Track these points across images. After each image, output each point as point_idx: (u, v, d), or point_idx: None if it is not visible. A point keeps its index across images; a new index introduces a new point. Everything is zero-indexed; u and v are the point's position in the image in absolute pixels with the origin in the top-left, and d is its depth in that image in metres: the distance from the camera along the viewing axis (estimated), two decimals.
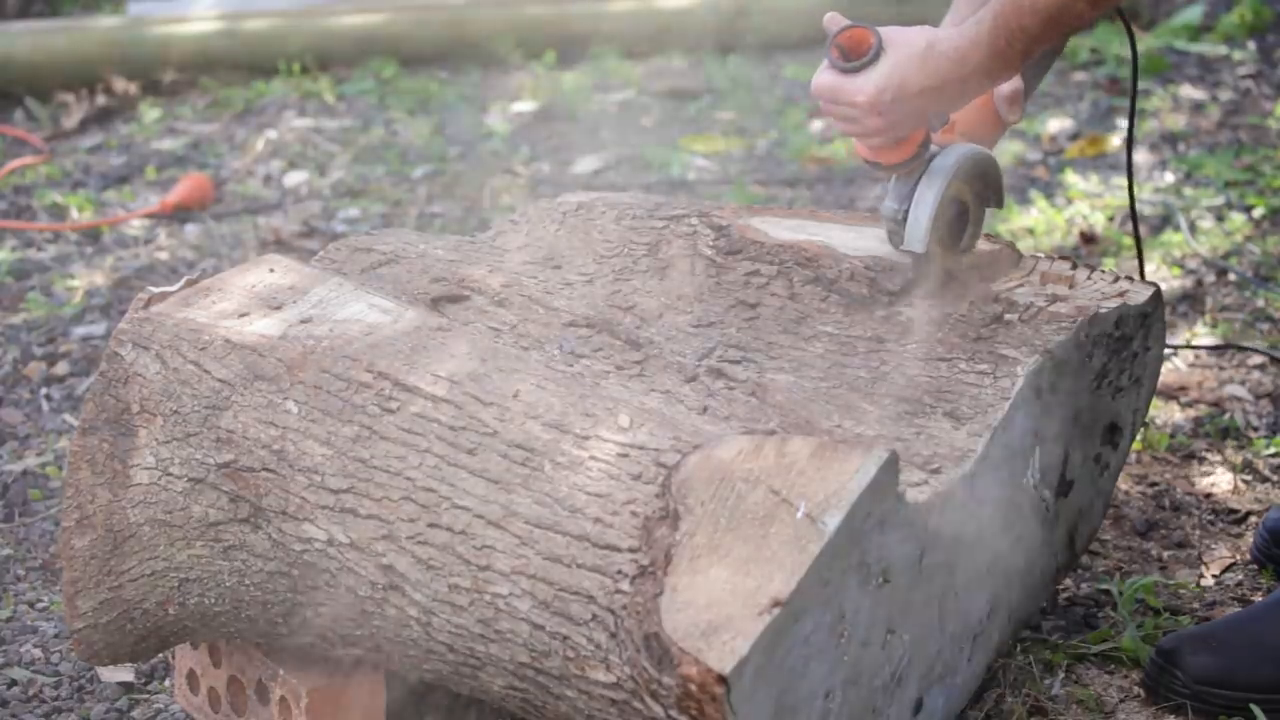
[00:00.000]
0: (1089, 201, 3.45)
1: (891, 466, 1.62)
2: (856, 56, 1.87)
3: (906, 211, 1.95)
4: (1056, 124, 3.93)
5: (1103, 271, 2.04)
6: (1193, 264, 3.17)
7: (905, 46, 1.85)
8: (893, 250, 2.02)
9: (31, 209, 3.63)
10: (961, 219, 2.00)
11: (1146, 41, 4.41)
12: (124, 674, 2.13)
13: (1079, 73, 4.28)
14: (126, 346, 1.83)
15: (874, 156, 1.94)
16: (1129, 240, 3.26)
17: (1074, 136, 3.86)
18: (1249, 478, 2.49)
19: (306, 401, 1.75)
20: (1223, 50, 4.33)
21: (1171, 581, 2.23)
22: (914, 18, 1.98)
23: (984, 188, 2.02)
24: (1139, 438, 2.52)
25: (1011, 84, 2.01)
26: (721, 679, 1.49)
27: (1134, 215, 2.27)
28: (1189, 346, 2.80)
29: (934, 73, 1.84)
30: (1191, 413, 2.67)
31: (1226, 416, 2.64)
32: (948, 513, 1.77)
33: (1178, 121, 3.90)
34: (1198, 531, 2.36)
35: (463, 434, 1.70)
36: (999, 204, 2.04)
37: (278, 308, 1.85)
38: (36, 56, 4.24)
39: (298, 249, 3.34)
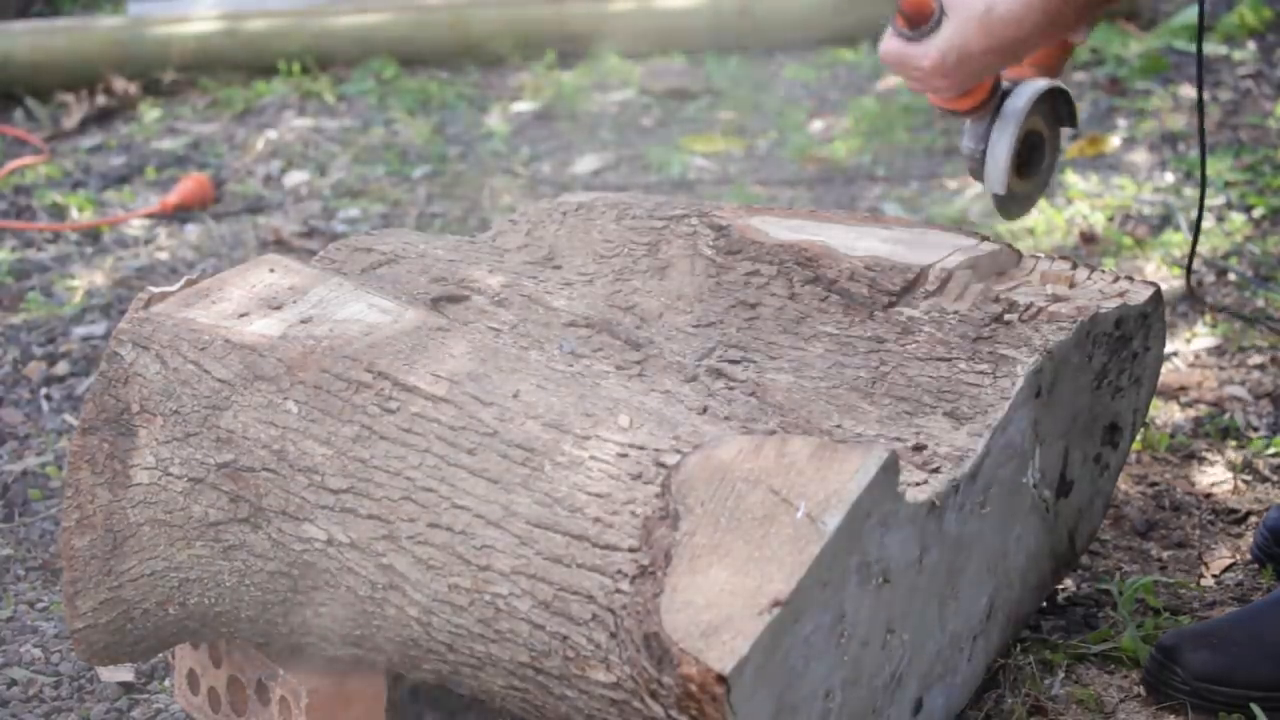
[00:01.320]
0: (1089, 201, 3.45)
1: (891, 466, 1.62)
2: (920, 23, 1.93)
3: (984, 152, 2.04)
4: None
5: (1103, 271, 2.04)
6: (1193, 264, 3.16)
7: (965, 10, 1.92)
8: (893, 251, 2.02)
9: (31, 209, 3.63)
10: (1038, 150, 2.09)
11: (1146, 42, 4.41)
12: (124, 674, 2.13)
13: (1079, 73, 4.28)
14: (126, 346, 1.83)
15: (948, 105, 2.02)
16: (1129, 240, 3.26)
17: (1074, 136, 3.86)
18: (1249, 478, 2.49)
19: (306, 401, 1.75)
20: (1223, 50, 4.33)
21: (1171, 581, 2.23)
22: None
23: (1056, 115, 2.10)
24: (1139, 438, 2.52)
25: None
26: (721, 679, 1.49)
27: (1203, 188, 2.31)
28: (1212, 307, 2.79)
29: (995, 35, 1.91)
30: (1191, 413, 2.67)
31: (1226, 416, 2.64)
32: (948, 512, 1.77)
33: (1178, 121, 3.90)
34: (1198, 531, 2.36)
35: (463, 434, 1.70)
36: (1074, 124, 2.12)
37: (278, 308, 1.85)
38: (36, 56, 4.24)
39: (298, 249, 3.34)
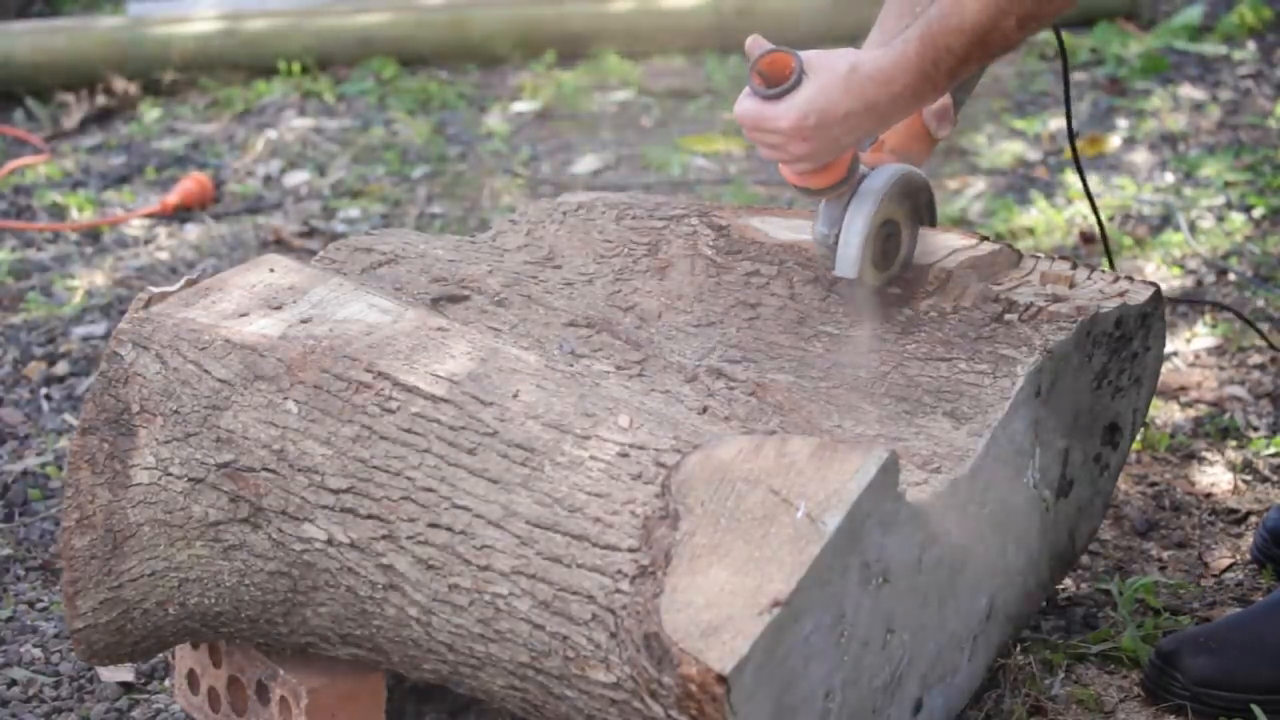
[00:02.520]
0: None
1: (891, 466, 1.62)
2: (778, 82, 1.82)
3: (838, 235, 1.91)
4: (1056, 124, 3.93)
5: (1103, 271, 2.04)
6: (1193, 264, 3.17)
7: (827, 71, 1.80)
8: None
9: (31, 209, 3.63)
10: (894, 239, 1.96)
11: (1146, 41, 4.41)
12: (124, 674, 2.12)
13: (1079, 73, 4.28)
14: (126, 346, 1.83)
15: (802, 182, 1.89)
16: (1129, 240, 3.26)
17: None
18: (1249, 478, 2.49)
19: (306, 401, 1.75)
20: (1223, 50, 4.33)
21: (1171, 582, 2.23)
22: None
23: (915, 206, 1.98)
24: (1139, 438, 2.52)
25: (941, 100, 1.96)
26: (721, 679, 1.49)
27: (1089, 198, 2.27)
28: (1195, 301, 2.77)
29: (858, 96, 1.79)
30: (1191, 413, 2.67)
31: (1226, 416, 2.64)
32: (948, 512, 1.77)
33: (1178, 121, 3.90)
34: (1198, 531, 2.36)
35: (463, 434, 1.70)
36: (931, 222, 2.01)
37: (278, 308, 1.85)
38: (36, 56, 4.24)
39: (298, 249, 3.34)
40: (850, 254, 1.90)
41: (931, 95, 1.83)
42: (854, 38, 2.05)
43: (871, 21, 2.05)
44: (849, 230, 1.90)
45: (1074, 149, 2.21)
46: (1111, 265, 2.27)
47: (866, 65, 1.80)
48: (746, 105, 1.84)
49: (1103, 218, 3.37)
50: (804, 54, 1.82)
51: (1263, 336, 2.70)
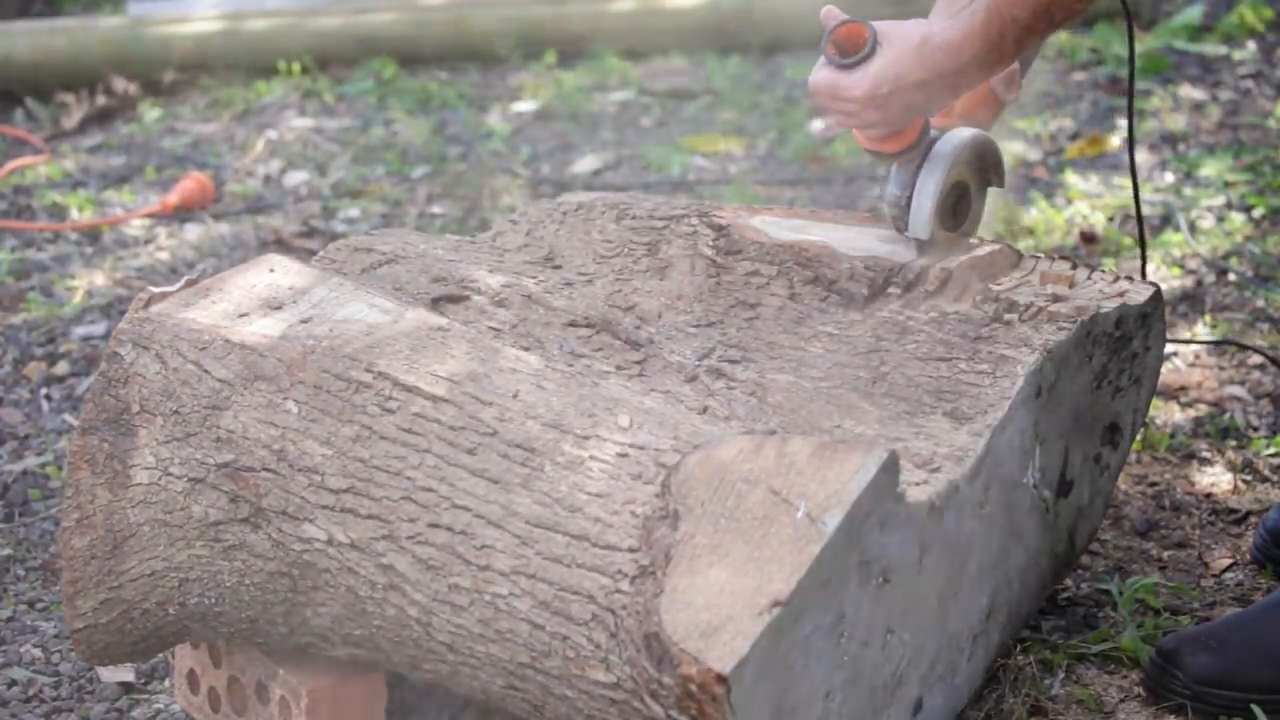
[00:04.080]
0: (1089, 201, 3.45)
1: (891, 466, 1.62)
2: (852, 52, 1.88)
3: (909, 198, 1.99)
4: (1056, 124, 3.93)
5: (1103, 271, 2.04)
6: (1193, 264, 3.17)
7: (900, 40, 1.87)
8: (893, 251, 2.02)
9: (31, 209, 3.63)
10: (964, 201, 2.04)
11: (1146, 42, 4.41)
12: (124, 674, 2.13)
13: (1079, 73, 4.28)
14: (126, 346, 1.83)
15: (875, 146, 1.97)
16: (1129, 240, 3.26)
17: (1074, 136, 3.86)
18: (1249, 478, 2.49)
19: (306, 401, 1.75)
20: (1223, 50, 4.33)
21: (1171, 582, 2.23)
22: (916, 14, 1.98)
23: (984, 169, 2.05)
24: (1139, 438, 2.52)
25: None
26: (721, 679, 1.49)
27: (1139, 210, 2.27)
28: (1191, 341, 2.79)
29: (930, 66, 1.86)
30: (1191, 413, 2.67)
31: (1226, 416, 2.64)
32: (948, 512, 1.77)
33: (1178, 121, 3.90)
34: (1198, 531, 2.36)
35: (463, 434, 1.70)
36: (1000, 183, 2.06)
37: (278, 308, 1.85)
38: (36, 56, 4.24)
39: (298, 249, 3.34)
40: (923, 216, 1.99)
41: (999, 65, 1.89)
42: None
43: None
44: (921, 193, 1.98)
45: (1131, 134, 2.25)
46: (1144, 255, 2.29)
47: (937, 36, 1.86)
48: (822, 75, 1.91)
49: (1099, 218, 3.37)
50: (877, 24, 1.88)
51: (1272, 361, 2.70)
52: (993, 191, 2.10)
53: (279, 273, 1.91)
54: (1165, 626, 2.12)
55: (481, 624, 1.67)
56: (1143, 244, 2.30)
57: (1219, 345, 2.82)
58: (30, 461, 2.63)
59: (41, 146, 3.96)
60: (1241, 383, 2.75)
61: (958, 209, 2.04)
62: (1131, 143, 2.26)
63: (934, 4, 2.05)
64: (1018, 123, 3.95)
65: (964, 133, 2.01)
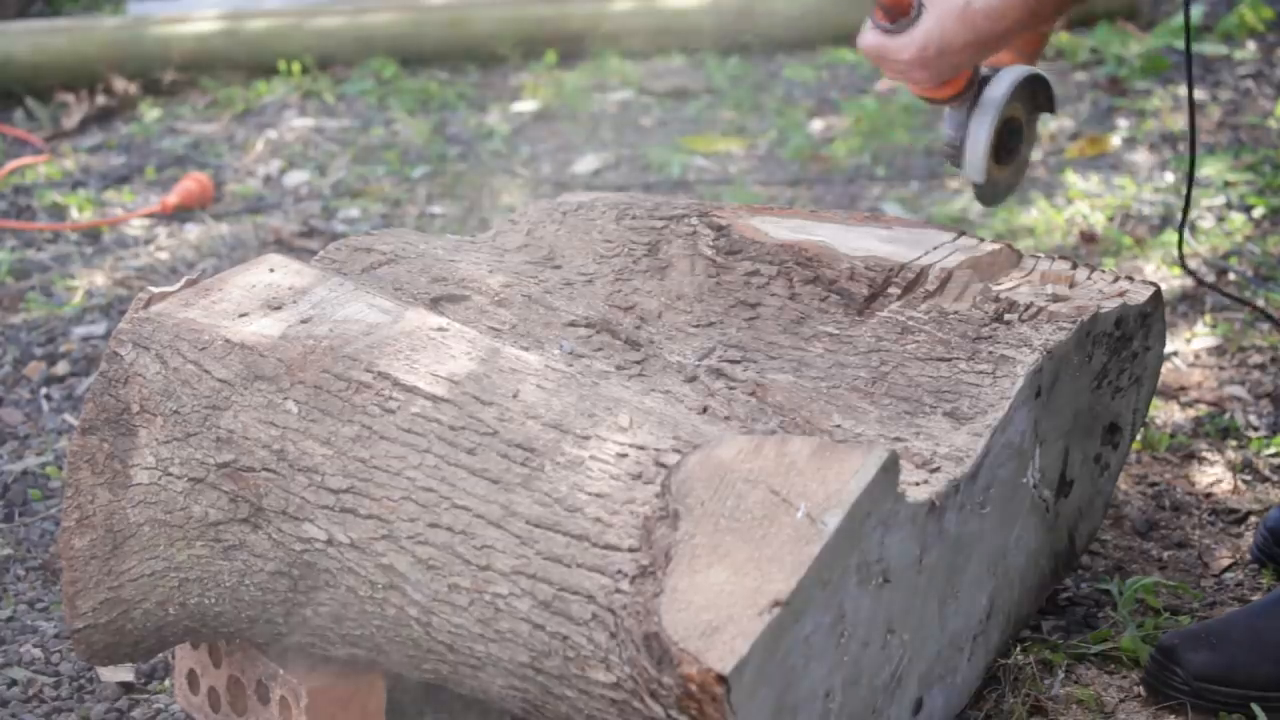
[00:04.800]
0: (1089, 201, 3.45)
1: (891, 466, 1.62)
2: (899, 16, 1.96)
3: (964, 139, 2.07)
4: (1056, 124, 3.93)
5: (1103, 271, 2.04)
6: (1193, 264, 3.17)
7: (945, 3, 1.95)
8: (893, 251, 2.02)
9: (31, 209, 3.63)
10: (1016, 134, 2.12)
11: (1146, 42, 4.41)
12: (124, 674, 2.12)
13: (1079, 73, 4.28)
14: (126, 346, 1.83)
15: (928, 94, 2.05)
16: (1129, 240, 3.26)
17: (1074, 136, 3.86)
18: (1249, 478, 2.49)
19: (306, 401, 1.75)
20: (1223, 50, 4.33)
21: (1171, 582, 2.23)
22: None
23: (1034, 102, 2.13)
24: (1139, 438, 2.52)
25: None
26: (721, 679, 1.49)
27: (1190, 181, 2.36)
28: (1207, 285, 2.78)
29: (974, 29, 1.94)
30: (1191, 413, 2.67)
31: (1226, 416, 2.64)
32: (948, 512, 1.77)
33: (1178, 121, 3.90)
34: (1198, 531, 2.36)
35: (463, 434, 1.70)
36: (1052, 110, 2.15)
37: (278, 308, 1.85)
38: (36, 56, 4.24)
39: (298, 249, 3.34)
40: (977, 160, 2.08)
41: (1041, 26, 2.01)
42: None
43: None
44: (975, 136, 2.08)
45: (1192, 121, 2.32)
46: (1181, 241, 2.34)
47: (979, 1, 1.94)
48: (870, 38, 2.00)
49: (1099, 218, 3.37)
50: None
51: (1266, 315, 2.70)
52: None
53: (279, 273, 1.91)
54: (1165, 626, 2.12)
55: (481, 624, 1.67)
56: (1186, 209, 2.37)
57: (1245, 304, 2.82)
58: (30, 461, 2.63)
59: (41, 146, 3.96)
60: (1241, 383, 2.75)
61: (1010, 143, 2.11)
62: (1192, 113, 2.33)
63: None
64: None
65: (1012, 74, 2.08)
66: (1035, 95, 2.13)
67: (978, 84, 2.07)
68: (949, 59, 1.97)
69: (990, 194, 2.14)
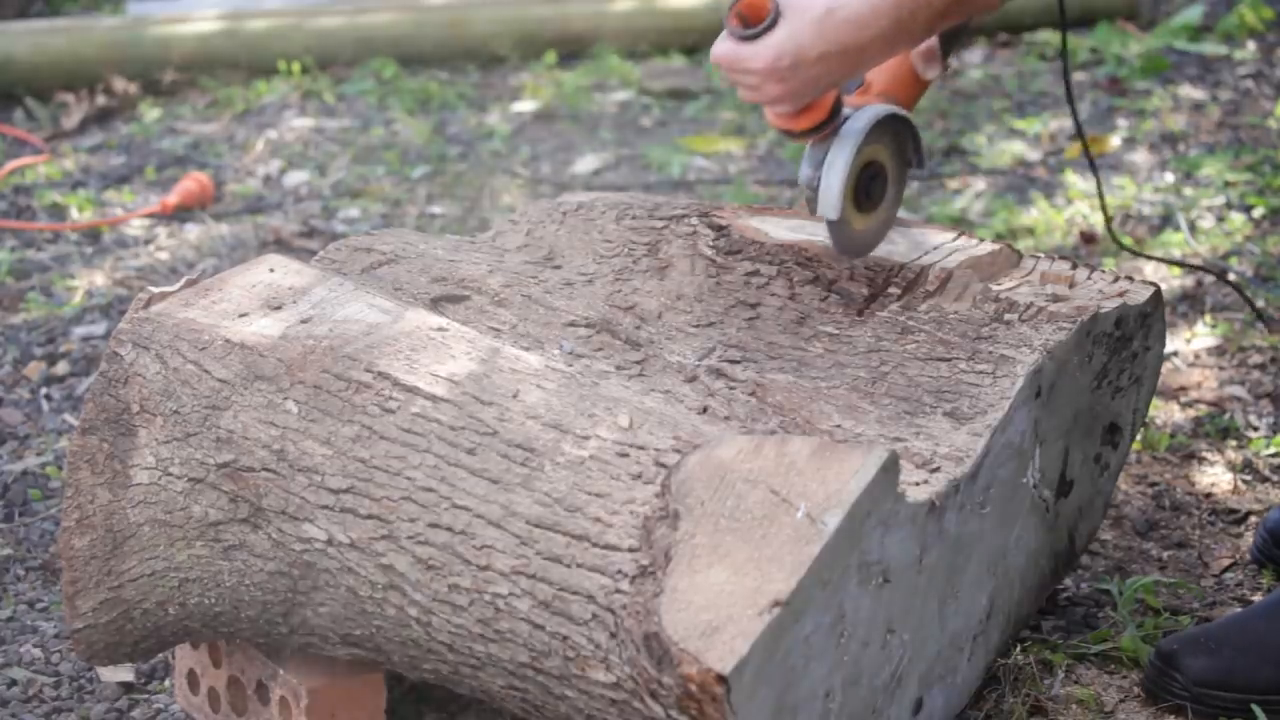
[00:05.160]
0: (1089, 201, 3.45)
1: (891, 466, 1.62)
2: (754, 23, 1.83)
3: (820, 177, 1.92)
4: (1056, 124, 3.93)
5: (1103, 271, 2.04)
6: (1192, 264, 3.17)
7: (802, 12, 1.81)
8: (892, 250, 2.02)
9: (31, 209, 3.63)
10: (879, 182, 1.97)
11: (1146, 42, 4.41)
12: (124, 674, 2.12)
13: (1079, 73, 4.28)
14: (126, 346, 1.83)
15: (784, 124, 1.91)
16: (1129, 240, 3.26)
17: (1074, 136, 3.86)
18: (1249, 478, 2.49)
19: (306, 401, 1.75)
20: (1223, 50, 4.33)
21: (1171, 581, 2.23)
22: None
23: (900, 147, 1.98)
24: (1139, 438, 2.52)
25: (927, 40, 1.96)
26: (721, 679, 1.49)
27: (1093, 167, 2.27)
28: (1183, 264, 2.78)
29: (833, 39, 1.81)
30: (1191, 413, 2.67)
31: (1226, 416, 2.64)
32: (948, 512, 1.77)
33: (1178, 121, 3.90)
34: (1198, 531, 2.36)
35: (463, 434, 1.70)
36: (919, 164, 2.00)
37: (278, 308, 1.85)
38: (36, 56, 4.24)
39: (298, 249, 3.34)
40: (830, 196, 1.91)
41: (908, 43, 1.84)
42: None
43: None
44: (829, 172, 1.91)
45: (1082, 137, 2.23)
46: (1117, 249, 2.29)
47: (843, 9, 1.80)
48: (723, 47, 1.85)
49: (1099, 218, 3.38)
50: None
51: (1252, 306, 2.71)
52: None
53: (279, 273, 1.91)
54: (1165, 626, 2.12)
55: (481, 624, 1.67)
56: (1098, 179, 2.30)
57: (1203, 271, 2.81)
58: (30, 461, 2.63)
59: (41, 146, 3.96)
60: (1241, 383, 2.75)
61: (873, 190, 1.96)
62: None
63: None
64: (1017, 123, 3.95)
65: (875, 109, 1.94)
66: (902, 144, 1.98)
67: (839, 120, 1.91)
68: (805, 72, 1.81)
69: (847, 240, 1.97)
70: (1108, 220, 2.37)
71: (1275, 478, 2.49)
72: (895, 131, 1.97)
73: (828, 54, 1.81)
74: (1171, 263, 2.76)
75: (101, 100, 4.20)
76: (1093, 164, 2.35)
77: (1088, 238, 3.28)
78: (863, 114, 1.93)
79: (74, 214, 3.58)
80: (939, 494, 1.74)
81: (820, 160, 1.92)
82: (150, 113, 4.17)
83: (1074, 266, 2.04)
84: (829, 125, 1.91)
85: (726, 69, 1.86)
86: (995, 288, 1.98)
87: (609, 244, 2.10)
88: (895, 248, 2.04)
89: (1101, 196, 2.36)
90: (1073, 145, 3.79)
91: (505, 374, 1.75)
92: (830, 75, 1.84)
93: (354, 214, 3.55)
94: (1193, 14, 4.49)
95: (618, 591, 1.58)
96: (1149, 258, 2.77)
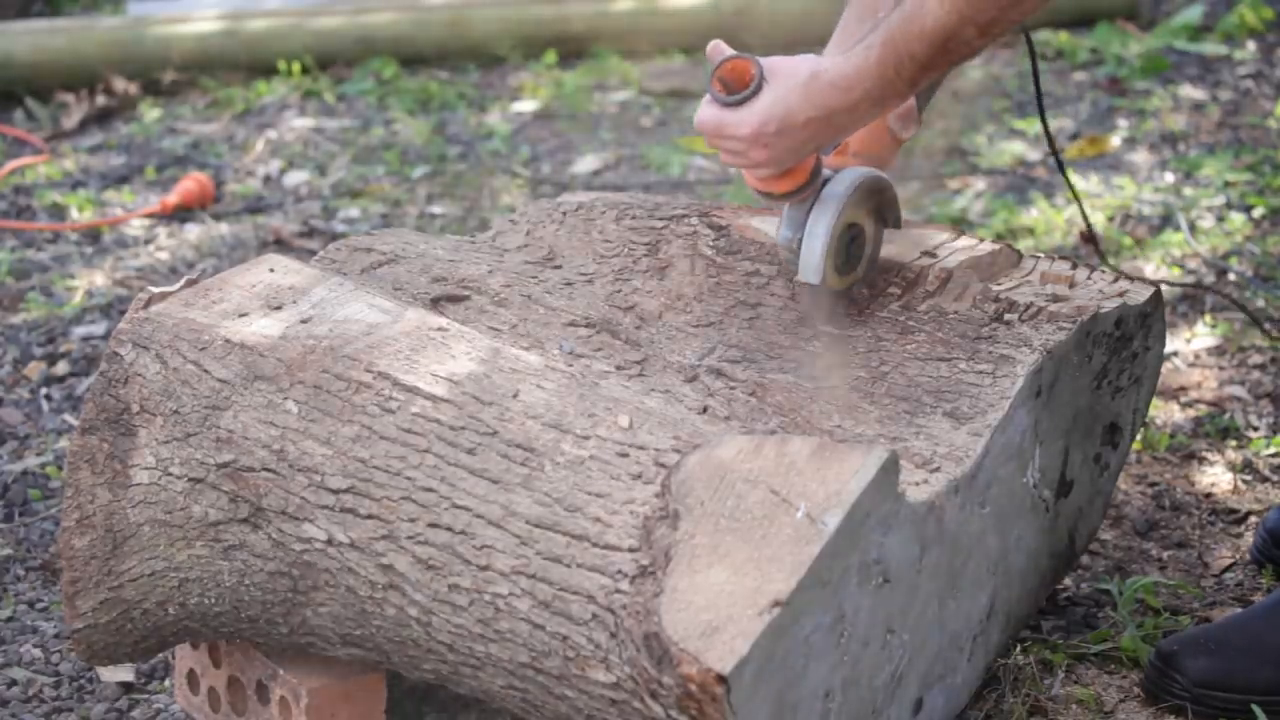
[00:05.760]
0: (1089, 201, 3.45)
1: (891, 466, 1.62)
2: (738, 89, 1.82)
3: (801, 240, 1.92)
4: (1056, 124, 3.93)
5: (1103, 271, 2.04)
6: (1193, 264, 3.17)
7: (788, 77, 1.80)
8: (893, 250, 2.02)
9: (31, 209, 3.63)
10: (858, 242, 1.96)
11: (1146, 42, 4.41)
12: (124, 674, 2.12)
13: (1079, 73, 4.28)
14: (126, 346, 1.83)
15: (765, 187, 1.89)
16: (1129, 240, 3.26)
17: (1074, 136, 3.86)
18: (1249, 478, 2.49)
19: (306, 401, 1.75)
20: (1223, 50, 4.33)
21: (1171, 581, 2.23)
22: None
23: (879, 209, 1.98)
24: (1139, 438, 2.52)
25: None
26: (721, 679, 1.49)
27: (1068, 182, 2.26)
28: (1188, 285, 2.77)
29: (819, 103, 1.79)
30: (1191, 413, 2.67)
31: (1226, 416, 2.64)
32: (948, 512, 1.77)
33: (1178, 121, 3.90)
34: (1198, 531, 2.36)
35: (463, 434, 1.70)
36: (896, 224, 2.01)
37: (278, 308, 1.85)
38: (36, 56, 4.24)
39: (298, 249, 3.34)
40: (813, 260, 1.91)
41: (894, 101, 1.82)
42: None
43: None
44: (811, 236, 1.91)
45: (1053, 147, 2.23)
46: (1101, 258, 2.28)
47: (828, 72, 1.79)
48: (707, 113, 1.83)
49: (1099, 217, 3.37)
50: (765, 60, 1.81)
51: (1258, 323, 2.71)
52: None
53: (279, 273, 1.91)
54: (1165, 626, 2.12)
55: (481, 624, 1.67)
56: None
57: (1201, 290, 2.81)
58: (30, 461, 2.63)
59: (41, 146, 3.96)
60: (1241, 383, 2.75)
61: (851, 251, 1.96)
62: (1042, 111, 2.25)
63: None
64: (1017, 123, 3.95)
65: (856, 172, 1.93)
66: (881, 206, 1.98)
67: (820, 182, 1.90)
68: (791, 138, 1.79)
69: (824, 306, 1.96)
70: (1094, 241, 2.36)
71: (1275, 478, 2.49)
72: (874, 193, 1.96)
73: (814, 119, 1.79)
74: (1171, 284, 2.75)
75: (101, 100, 4.20)
76: (1063, 171, 2.32)
77: (1088, 238, 3.28)
78: (843, 177, 1.92)
79: (74, 214, 3.58)
80: (939, 494, 1.74)
81: (801, 222, 1.92)
82: (150, 113, 4.17)
83: (1074, 266, 2.04)
84: (810, 187, 1.90)
85: (711, 135, 1.84)
86: (995, 288, 1.98)
87: (609, 244, 2.10)
88: (895, 248, 2.04)
89: (1083, 210, 2.36)
90: (1073, 145, 3.79)
91: (505, 374, 1.75)
92: (815, 139, 1.82)
93: (354, 214, 3.55)
94: (1193, 14, 4.49)
95: (618, 591, 1.58)
96: (1142, 280, 2.76)
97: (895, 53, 1.76)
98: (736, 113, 1.81)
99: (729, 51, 1.84)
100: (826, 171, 1.92)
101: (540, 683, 1.66)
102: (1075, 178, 3.58)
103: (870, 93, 1.78)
